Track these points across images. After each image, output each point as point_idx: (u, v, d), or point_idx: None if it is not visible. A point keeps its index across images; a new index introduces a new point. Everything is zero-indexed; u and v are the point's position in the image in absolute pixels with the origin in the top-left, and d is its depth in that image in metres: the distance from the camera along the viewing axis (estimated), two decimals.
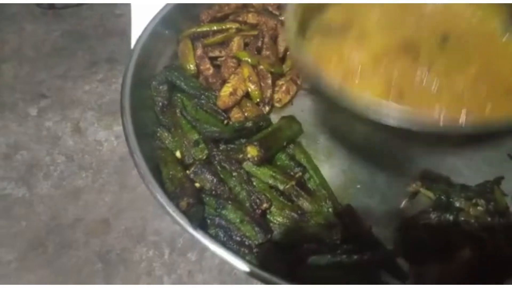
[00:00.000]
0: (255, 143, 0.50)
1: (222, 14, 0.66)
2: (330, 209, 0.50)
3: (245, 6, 0.67)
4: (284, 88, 0.60)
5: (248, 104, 0.58)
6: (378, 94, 0.46)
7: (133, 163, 0.50)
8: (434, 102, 0.45)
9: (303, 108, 0.61)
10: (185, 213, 0.45)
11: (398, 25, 0.53)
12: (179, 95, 0.57)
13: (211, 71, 0.60)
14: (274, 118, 0.59)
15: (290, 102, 0.61)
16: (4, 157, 0.67)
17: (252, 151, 0.50)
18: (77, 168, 0.67)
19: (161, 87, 0.57)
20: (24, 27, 0.84)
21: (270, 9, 0.69)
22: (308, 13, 0.52)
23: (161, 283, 0.55)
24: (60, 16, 0.87)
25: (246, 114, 0.57)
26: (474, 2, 0.57)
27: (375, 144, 0.58)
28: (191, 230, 0.44)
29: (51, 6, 0.86)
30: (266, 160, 0.51)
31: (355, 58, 0.49)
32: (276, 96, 0.60)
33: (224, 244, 0.44)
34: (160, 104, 0.57)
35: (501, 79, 0.48)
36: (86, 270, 0.57)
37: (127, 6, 0.79)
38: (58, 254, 0.59)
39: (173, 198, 0.45)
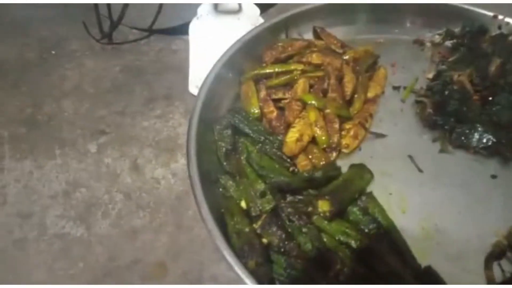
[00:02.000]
0: (327, 196, 0.47)
1: (286, 55, 0.64)
2: (409, 271, 0.45)
3: (308, 46, 0.65)
4: (352, 132, 0.57)
5: (314, 150, 0.55)
6: None
7: (189, 203, 0.48)
8: None
9: (372, 154, 0.58)
10: (253, 273, 0.42)
11: None
12: (242, 140, 0.56)
13: (275, 114, 0.58)
14: (341, 164, 0.56)
15: (358, 147, 0.58)
16: (63, 194, 0.68)
17: (323, 206, 0.47)
18: (135, 207, 0.66)
19: (225, 132, 0.56)
20: (84, 63, 0.86)
21: (333, 47, 0.67)
22: None
23: None
24: (119, 51, 0.88)
25: (313, 161, 0.54)
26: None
27: (454, 196, 0.53)
28: None
29: (110, 41, 0.87)
30: (338, 214, 0.48)
31: None
32: (343, 142, 0.57)
33: None
34: (224, 149, 0.55)
35: None
36: None
37: (184, 41, 0.80)
38: None
39: (241, 256, 0.43)
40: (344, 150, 0.57)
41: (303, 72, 0.61)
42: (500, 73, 0.60)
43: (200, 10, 0.79)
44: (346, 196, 0.49)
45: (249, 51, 0.64)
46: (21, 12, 0.94)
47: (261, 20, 0.76)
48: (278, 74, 0.62)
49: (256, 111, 0.58)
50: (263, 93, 0.60)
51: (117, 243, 0.63)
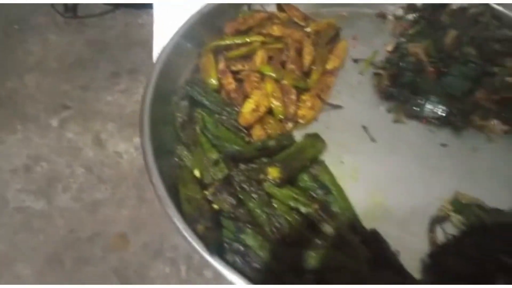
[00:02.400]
0: (277, 163, 0.48)
1: (246, 27, 0.64)
2: (355, 235, 0.47)
3: (270, 18, 0.65)
4: (308, 103, 0.58)
5: (270, 121, 0.55)
6: None
7: None
8: None
9: (328, 125, 0.58)
10: (202, 237, 0.43)
11: None
12: (200, 111, 0.56)
13: (233, 85, 0.58)
14: (298, 135, 0.57)
15: (315, 118, 0.59)
16: (24, 169, 0.67)
17: (273, 172, 0.47)
18: (97, 180, 0.66)
19: (182, 103, 0.56)
20: (48, 37, 0.84)
21: (296, 20, 0.67)
22: None
23: None
24: (84, 25, 0.87)
25: (268, 131, 0.54)
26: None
27: (404, 165, 0.55)
28: (207, 256, 0.42)
29: (75, 15, 0.86)
30: (288, 181, 0.49)
31: None
32: (300, 112, 0.57)
33: (241, 272, 0.42)
34: (181, 120, 0.55)
35: None
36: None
37: (150, 16, 0.78)
38: (75, 270, 0.58)
39: (190, 221, 0.44)
40: (301, 121, 0.58)
41: (263, 43, 0.61)
42: (456, 45, 0.61)
43: None
44: (297, 163, 0.50)
45: (209, 23, 0.64)
46: None
47: None
48: (238, 45, 0.62)
49: (215, 82, 0.59)
50: (222, 65, 0.60)
51: (78, 216, 0.63)
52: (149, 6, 0.79)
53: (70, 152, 0.70)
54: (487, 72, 0.58)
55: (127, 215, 0.63)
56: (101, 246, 0.60)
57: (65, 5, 0.85)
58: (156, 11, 0.74)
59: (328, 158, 0.54)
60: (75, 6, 0.85)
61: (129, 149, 0.70)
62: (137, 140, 0.70)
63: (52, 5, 0.84)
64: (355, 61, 0.65)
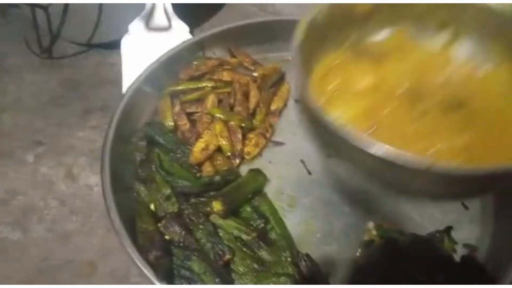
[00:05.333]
0: (220, 198, 0.55)
1: (200, 73, 0.72)
2: (289, 259, 0.54)
3: (221, 64, 0.74)
4: (253, 141, 0.66)
5: (219, 158, 0.63)
6: (352, 117, 0.47)
7: None
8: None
9: (271, 160, 0.66)
10: (153, 266, 0.50)
11: (425, 74, 0.52)
12: (156, 150, 0.63)
13: (187, 126, 0.66)
14: (244, 169, 0.65)
15: (259, 154, 0.67)
16: (1, 202, 0.73)
17: (217, 206, 0.55)
18: (69, 212, 0.72)
19: (140, 143, 0.63)
20: (23, 77, 0.90)
21: (246, 64, 0.75)
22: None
23: None
24: (58, 65, 0.93)
25: (217, 167, 0.62)
26: None
27: (336, 195, 0.63)
28: (156, 282, 0.49)
29: (50, 55, 0.93)
30: (232, 212, 0.57)
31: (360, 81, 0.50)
32: (246, 149, 0.65)
33: None
34: (139, 159, 0.62)
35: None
36: None
37: (120, 56, 0.86)
38: None
39: (142, 251, 0.51)
40: (247, 157, 0.65)
41: (214, 88, 0.69)
42: None
43: (131, 27, 0.86)
44: (239, 196, 0.58)
45: (167, 69, 0.72)
46: None
47: (189, 36, 0.84)
48: (191, 90, 0.70)
49: (171, 123, 0.66)
50: (177, 108, 0.67)
51: (51, 245, 0.69)
52: (119, 46, 0.87)
53: (44, 186, 0.75)
54: None
55: (96, 244, 0.69)
56: (71, 273, 0.66)
57: (41, 46, 0.91)
58: (124, 57, 0.82)
59: (270, 190, 0.62)
60: (50, 47, 0.92)
61: (99, 182, 0.76)
62: None
63: (28, 46, 0.91)
64: (297, 101, 0.73)
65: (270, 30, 0.78)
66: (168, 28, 0.87)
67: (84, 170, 0.78)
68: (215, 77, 0.71)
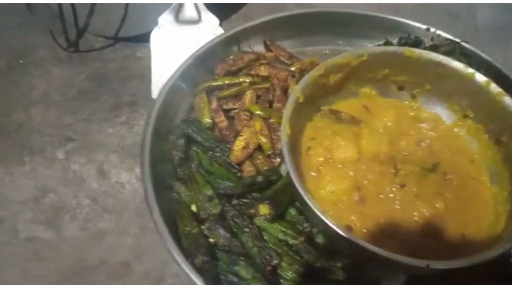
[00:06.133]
0: (266, 201, 0.53)
1: (236, 68, 0.69)
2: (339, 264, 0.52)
3: (258, 58, 0.71)
4: None
5: (259, 157, 0.61)
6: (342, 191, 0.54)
7: None
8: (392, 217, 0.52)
9: None
10: (199, 270, 0.48)
11: (399, 137, 0.60)
12: (195, 148, 0.61)
13: (225, 123, 0.63)
14: (285, 169, 0.62)
15: None
16: (33, 200, 0.72)
17: (264, 210, 0.53)
18: (101, 210, 0.71)
19: (178, 141, 0.61)
20: (51, 71, 0.89)
21: (282, 59, 0.72)
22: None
23: None
24: (85, 59, 0.91)
25: (258, 167, 0.60)
26: None
27: None
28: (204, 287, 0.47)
29: (77, 49, 0.91)
30: (277, 216, 0.54)
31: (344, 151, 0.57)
32: None
33: None
34: (178, 157, 0.60)
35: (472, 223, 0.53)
36: None
37: (147, 49, 0.84)
38: None
39: (188, 255, 0.49)
40: None
41: (251, 84, 0.67)
42: None
43: (161, 20, 0.84)
44: (284, 199, 0.55)
45: (202, 64, 0.69)
46: None
47: (220, 30, 0.81)
48: (228, 86, 0.67)
49: (208, 121, 0.64)
50: (214, 104, 0.65)
51: (85, 245, 0.67)
52: (146, 39, 0.84)
53: (76, 183, 0.74)
54: None
55: (130, 244, 0.68)
56: (106, 274, 0.65)
57: (67, 39, 0.90)
58: (153, 50, 0.79)
59: None
60: (77, 40, 0.90)
61: (131, 179, 0.74)
62: (138, 170, 0.74)
63: (55, 40, 0.89)
64: None
65: (307, 23, 0.75)
66: (198, 21, 0.84)
67: (116, 167, 0.76)
68: (252, 72, 0.68)
